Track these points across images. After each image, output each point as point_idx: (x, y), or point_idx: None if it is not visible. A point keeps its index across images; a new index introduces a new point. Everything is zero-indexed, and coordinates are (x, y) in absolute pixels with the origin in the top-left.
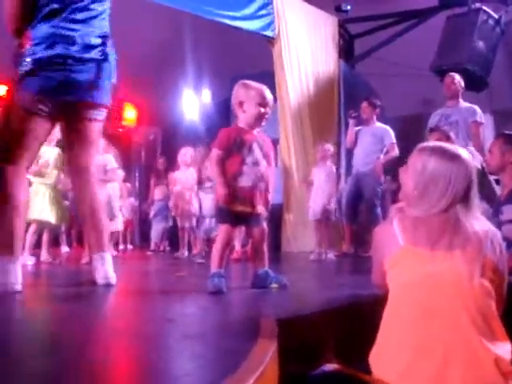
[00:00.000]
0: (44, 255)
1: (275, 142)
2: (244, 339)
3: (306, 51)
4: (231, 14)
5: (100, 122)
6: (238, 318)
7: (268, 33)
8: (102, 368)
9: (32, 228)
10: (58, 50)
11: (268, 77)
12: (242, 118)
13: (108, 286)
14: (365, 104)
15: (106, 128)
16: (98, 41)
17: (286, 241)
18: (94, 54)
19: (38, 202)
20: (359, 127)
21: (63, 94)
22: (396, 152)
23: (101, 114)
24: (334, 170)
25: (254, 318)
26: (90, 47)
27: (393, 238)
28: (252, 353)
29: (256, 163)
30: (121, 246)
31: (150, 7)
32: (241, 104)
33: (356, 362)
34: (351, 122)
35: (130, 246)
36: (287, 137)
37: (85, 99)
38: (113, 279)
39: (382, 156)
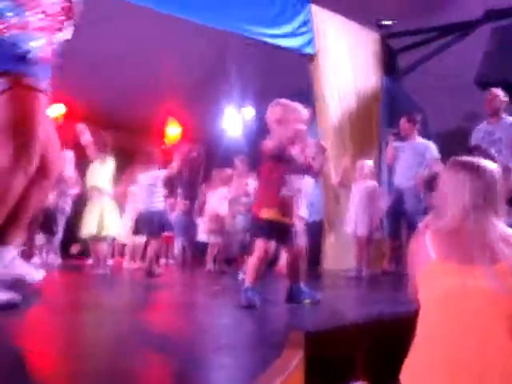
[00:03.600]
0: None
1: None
2: (270, 350)
3: (347, 68)
4: (272, 32)
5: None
6: (266, 330)
7: (308, 50)
8: (137, 375)
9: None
10: None
11: (308, 95)
12: (282, 135)
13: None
14: (403, 120)
15: (149, 144)
16: None
17: (326, 257)
18: None
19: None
20: (399, 143)
21: None
22: (439, 167)
23: None
24: (377, 186)
25: (282, 330)
26: None
27: (424, 252)
28: (276, 362)
29: (295, 175)
30: (163, 260)
31: (194, 27)
32: (279, 121)
33: (386, 380)
34: (390, 138)
35: (170, 261)
36: (327, 154)
37: None
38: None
39: (424, 172)
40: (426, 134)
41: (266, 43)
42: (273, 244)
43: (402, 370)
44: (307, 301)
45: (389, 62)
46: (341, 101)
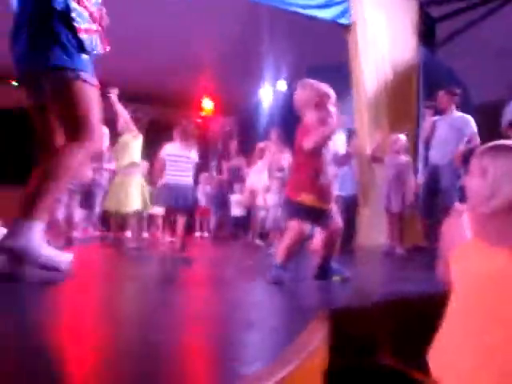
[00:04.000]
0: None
1: (351, 133)
2: (295, 327)
3: (383, 38)
4: (305, 2)
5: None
6: (292, 307)
7: (343, 20)
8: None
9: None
10: None
11: (344, 66)
12: (314, 118)
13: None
14: (441, 93)
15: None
16: None
17: (360, 233)
18: None
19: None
20: (436, 117)
21: None
22: (477, 142)
23: None
24: (410, 162)
25: (308, 307)
26: None
27: (460, 230)
28: (299, 338)
29: (331, 162)
30: (197, 233)
31: (222, 1)
32: (312, 105)
33: (413, 359)
34: (427, 112)
35: (205, 234)
36: (363, 127)
37: None
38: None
39: (461, 147)
40: (466, 108)
41: (298, 14)
42: (308, 225)
43: (430, 350)
44: (336, 278)
45: (427, 31)
46: (377, 73)
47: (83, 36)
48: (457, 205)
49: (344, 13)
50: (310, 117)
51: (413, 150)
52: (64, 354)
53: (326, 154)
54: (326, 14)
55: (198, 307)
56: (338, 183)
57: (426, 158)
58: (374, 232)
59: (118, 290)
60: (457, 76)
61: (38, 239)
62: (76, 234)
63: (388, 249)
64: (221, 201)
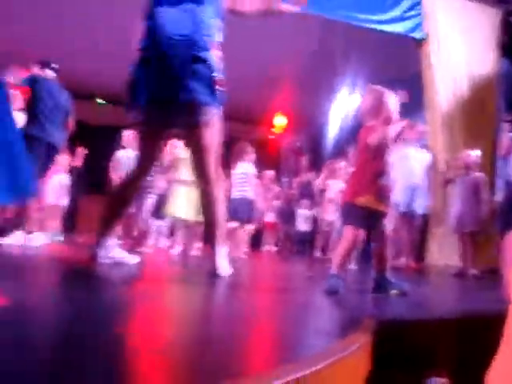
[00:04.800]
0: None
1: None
2: (339, 334)
3: (460, 51)
4: (377, 18)
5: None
6: (343, 317)
7: (416, 34)
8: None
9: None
10: None
11: (418, 81)
12: (377, 121)
13: (218, 276)
14: None
15: (257, 135)
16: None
17: (431, 252)
18: None
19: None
20: None
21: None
22: None
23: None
24: (483, 178)
25: (359, 317)
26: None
27: None
28: (339, 343)
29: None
30: (265, 247)
31: (298, 18)
32: (376, 110)
33: (469, 381)
34: (506, 126)
35: (273, 248)
36: (437, 143)
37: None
38: (224, 272)
39: None
40: None
41: (371, 29)
42: (362, 232)
43: (489, 372)
44: (394, 291)
45: (509, 41)
46: (453, 87)
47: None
48: None
49: (417, 26)
50: (373, 121)
51: (491, 166)
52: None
53: (387, 155)
54: (399, 28)
55: (249, 315)
56: (409, 199)
57: (504, 176)
58: (447, 252)
59: (174, 293)
60: None
61: None
62: (150, 242)
63: (460, 270)
64: (289, 216)
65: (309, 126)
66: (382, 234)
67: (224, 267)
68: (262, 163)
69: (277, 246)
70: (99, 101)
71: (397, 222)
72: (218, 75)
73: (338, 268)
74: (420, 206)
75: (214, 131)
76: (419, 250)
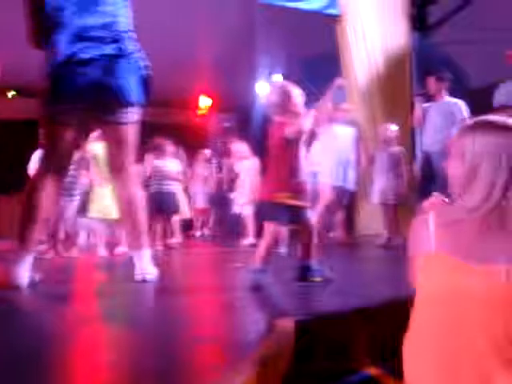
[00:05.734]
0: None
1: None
2: (257, 336)
3: (373, 25)
4: None
5: (132, 124)
6: (263, 314)
7: (332, 11)
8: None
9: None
10: None
11: (335, 56)
12: (285, 118)
13: (144, 281)
14: (430, 79)
15: (182, 118)
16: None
17: (360, 223)
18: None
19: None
20: (427, 104)
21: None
22: None
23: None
24: (402, 151)
25: (279, 312)
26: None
27: (425, 238)
28: (259, 350)
29: (305, 157)
30: (198, 233)
31: None
32: (279, 108)
33: (392, 365)
34: (418, 99)
35: (206, 232)
36: (357, 118)
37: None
38: (149, 276)
39: (453, 132)
40: (461, 92)
41: (285, 7)
42: (283, 225)
43: (403, 343)
44: (318, 279)
45: (418, 15)
46: (369, 62)
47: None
48: (425, 203)
49: (332, 3)
50: (281, 117)
51: (410, 138)
52: None
53: (301, 152)
54: (314, 5)
55: (154, 316)
56: (342, 175)
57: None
58: (374, 223)
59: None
60: (451, 61)
61: None
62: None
63: (385, 241)
64: (220, 199)
65: (236, 106)
66: (306, 226)
67: (149, 271)
68: (188, 147)
69: (208, 230)
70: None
71: (329, 196)
72: (144, 70)
73: (260, 262)
74: (351, 181)
75: (136, 129)
76: (349, 222)
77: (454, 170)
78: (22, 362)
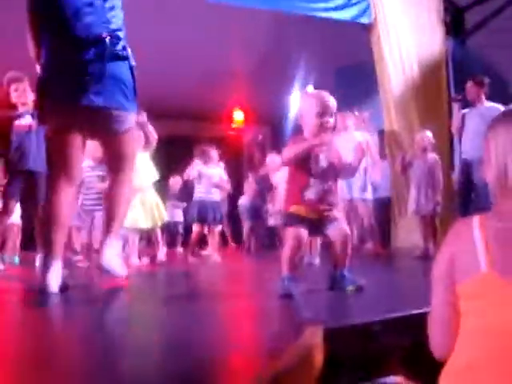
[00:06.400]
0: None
1: (381, 134)
2: (285, 343)
3: (407, 33)
4: (323, 5)
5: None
6: (289, 323)
7: (364, 20)
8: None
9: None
10: None
11: (370, 66)
12: (306, 130)
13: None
14: (469, 84)
15: (217, 132)
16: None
17: (396, 235)
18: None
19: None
20: (466, 110)
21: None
22: None
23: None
24: (437, 160)
25: (304, 323)
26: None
27: (470, 255)
28: (287, 355)
29: (323, 175)
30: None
31: (247, 12)
32: (302, 116)
33: (426, 377)
34: (455, 105)
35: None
36: (392, 127)
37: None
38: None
39: None
40: (501, 98)
41: (318, 18)
42: (304, 232)
43: (441, 377)
44: (350, 288)
45: (454, 21)
46: (403, 70)
47: None
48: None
49: (364, 11)
50: (308, 128)
51: (448, 146)
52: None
53: (314, 167)
54: (346, 14)
55: (189, 325)
56: (370, 185)
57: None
58: (412, 235)
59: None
60: (491, 66)
61: None
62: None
63: (422, 252)
64: (256, 212)
65: (269, 119)
66: (334, 233)
67: (115, 263)
68: (223, 160)
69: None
70: None
71: (354, 208)
72: (133, 75)
73: (288, 270)
74: (370, 190)
75: (134, 137)
76: (385, 234)
77: (486, 174)
78: (54, 364)
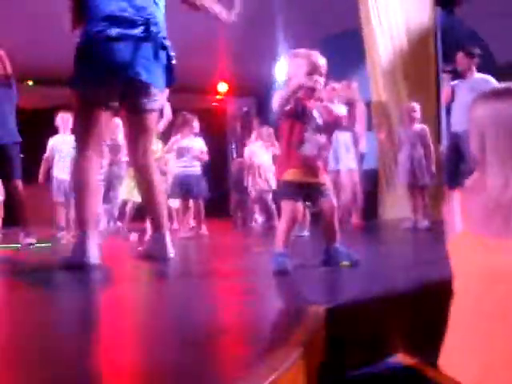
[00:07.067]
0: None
1: (367, 104)
2: (288, 324)
3: (396, 1)
4: None
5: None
6: (292, 299)
7: None
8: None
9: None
10: None
11: (358, 34)
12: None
13: (164, 261)
14: (460, 55)
15: (201, 104)
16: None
17: (383, 207)
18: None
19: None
20: (456, 81)
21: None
22: None
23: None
24: (426, 130)
25: (305, 302)
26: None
27: (453, 218)
28: (291, 340)
29: (317, 130)
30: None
31: None
32: (290, 78)
33: (428, 354)
34: (445, 76)
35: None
36: (380, 97)
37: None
38: (170, 255)
39: None
40: (491, 69)
41: None
42: (300, 205)
43: (441, 355)
44: (345, 263)
45: None
46: (391, 38)
47: None
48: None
49: None
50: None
51: (436, 117)
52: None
53: (308, 122)
54: None
55: (183, 303)
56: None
57: (449, 125)
58: (398, 206)
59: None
60: (478, 36)
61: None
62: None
63: (412, 224)
64: (242, 184)
65: (254, 90)
66: (325, 205)
67: (169, 251)
68: (207, 132)
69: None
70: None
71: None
72: (171, 58)
73: (282, 245)
74: (347, 159)
75: (157, 116)
76: (372, 206)
77: (472, 146)
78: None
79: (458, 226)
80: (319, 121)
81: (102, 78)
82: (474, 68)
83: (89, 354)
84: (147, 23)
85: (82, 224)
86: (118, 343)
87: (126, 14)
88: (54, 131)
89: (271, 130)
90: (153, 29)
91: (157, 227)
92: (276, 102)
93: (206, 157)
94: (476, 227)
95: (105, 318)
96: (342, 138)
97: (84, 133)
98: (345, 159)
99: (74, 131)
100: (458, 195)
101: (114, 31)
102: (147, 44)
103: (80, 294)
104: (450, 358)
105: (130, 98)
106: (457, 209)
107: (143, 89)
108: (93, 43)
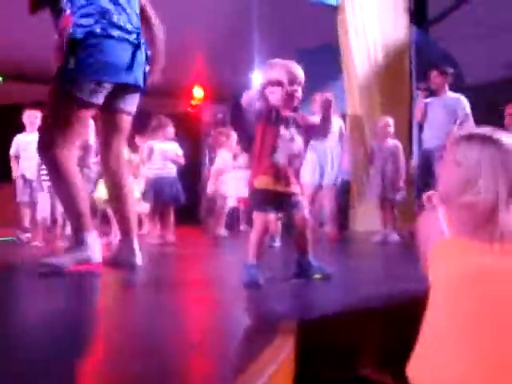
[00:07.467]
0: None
1: (343, 117)
2: (264, 337)
3: (373, 17)
4: None
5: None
6: (263, 312)
7: (331, 1)
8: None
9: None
10: None
11: (334, 48)
12: (272, 100)
13: (132, 267)
14: (434, 73)
15: (175, 109)
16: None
17: (355, 219)
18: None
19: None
20: (429, 99)
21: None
22: (470, 123)
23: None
24: (398, 145)
25: (276, 316)
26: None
27: (437, 225)
28: (262, 355)
29: (292, 139)
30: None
31: None
32: (268, 85)
33: (398, 368)
34: (419, 94)
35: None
36: (355, 110)
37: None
38: (139, 261)
39: (455, 129)
40: (460, 88)
41: None
42: (272, 216)
43: (409, 364)
44: (317, 276)
45: (418, 10)
46: (368, 54)
47: None
48: (429, 194)
49: None
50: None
51: (407, 133)
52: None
53: (282, 129)
54: None
55: (155, 315)
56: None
57: (420, 141)
58: (369, 219)
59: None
60: (450, 56)
61: None
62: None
63: (382, 237)
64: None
65: (229, 96)
66: (297, 216)
67: (137, 257)
68: (181, 137)
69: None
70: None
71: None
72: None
73: (254, 257)
74: (331, 174)
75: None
76: (342, 218)
77: (445, 175)
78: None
79: (441, 234)
80: (294, 129)
81: (102, 77)
82: (447, 86)
83: (49, 365)
84: (138, 32)
85: (80, 217)
86: (80, 354)
87: (122, 18)
88: (19, 129)
89: (235, 137)
90: (141, 38)
91: (126, 232)
92: (245, 100)
93: (182, 160)
94: (464, 234)
95: (66, 328)
96: (330, 154)
97: (63, 129)
98: (330, 175)
99: (49, 126)
100: (435, 205)
101: (115, 32)
102: (140, 51)
103: (41, 304)
104: (421, 369)
105: (116, 99)
106: (441, 218)
107: (133, 93)
108: (97, 39)
